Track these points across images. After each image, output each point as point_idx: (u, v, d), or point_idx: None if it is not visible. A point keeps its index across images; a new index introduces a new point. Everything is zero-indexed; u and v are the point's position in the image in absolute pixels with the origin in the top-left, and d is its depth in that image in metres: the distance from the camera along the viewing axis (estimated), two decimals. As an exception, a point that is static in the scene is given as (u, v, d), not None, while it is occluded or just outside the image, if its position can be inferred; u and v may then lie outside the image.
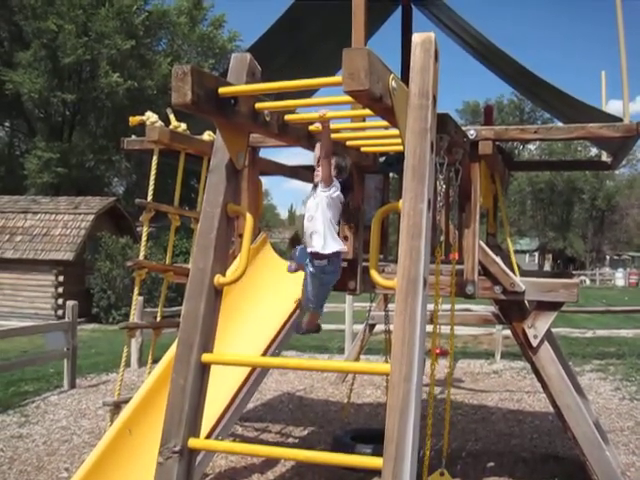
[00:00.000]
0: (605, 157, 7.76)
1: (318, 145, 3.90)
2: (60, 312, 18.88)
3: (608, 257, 63.33)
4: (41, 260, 20.15)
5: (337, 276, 4.09)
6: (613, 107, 6.26)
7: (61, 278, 20.13)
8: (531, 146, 60.78)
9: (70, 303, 10.85)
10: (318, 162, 3.88)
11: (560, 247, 61.45)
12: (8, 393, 9.65)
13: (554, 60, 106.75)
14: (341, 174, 3.93)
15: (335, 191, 3.85)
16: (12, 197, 23.63)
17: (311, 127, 3.82)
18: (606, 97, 6.71)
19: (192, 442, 2.87)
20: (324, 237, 3.82)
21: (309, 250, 3.91)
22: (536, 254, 64.16)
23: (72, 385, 10.16)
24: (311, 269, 3.95)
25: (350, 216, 4.26)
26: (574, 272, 47.36)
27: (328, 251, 3.85)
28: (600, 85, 7.06)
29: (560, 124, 7.26)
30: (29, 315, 19.44)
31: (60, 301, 19.48)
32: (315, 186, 3.94)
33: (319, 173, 3.85)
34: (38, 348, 12.83)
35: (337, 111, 3.69)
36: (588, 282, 48.53)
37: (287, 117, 3.59)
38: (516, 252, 5.90)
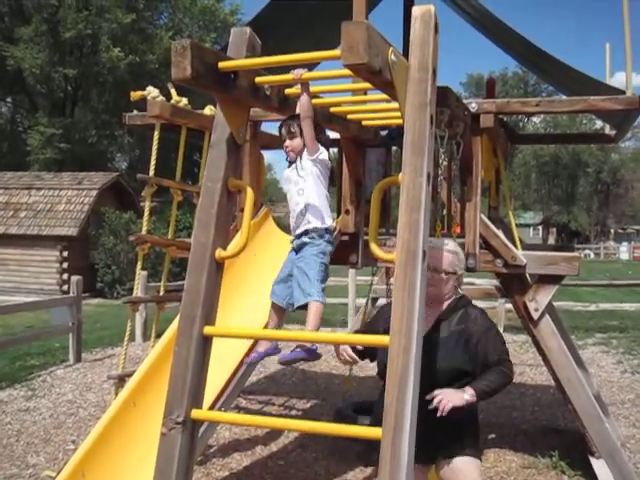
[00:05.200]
0: (608, 130, 7.74)
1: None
2: (65, 287, 18.96)
3: (612, 231, 63.30)
4: (45, 236, 20.20)
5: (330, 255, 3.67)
6: (619, 79, 6.23)
7: (65, 253, 20.20)
8: (535, 119, 60.46)
9: (75, 278, 10.92)
10: (281, 127, 3.60)
11: (564, 221, 61.35)
12: (15, 367, 9.76)
13: (558, 33, 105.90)
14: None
15: (322, 153, 3.53)
16: (15, 173, 23.66)
17: (288, 90, 3.57)
18: (612, 70, 6.68)
19: (195, 413, 2.91)
20: (320, 210, 3.51)
21: (304, 228, 3.52)
22: (540, 228, 64.12)
23: (77, 359, 10.26)
24: (311, 250, 3.50)
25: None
26: (578, 246, 47.43)
27: (329, 223, 3.56)
28: (604, 57, 7.03)
29: (563, 97, 7.23)
30: (34, 290, 19.55)
31: (65, 276, 19.56)
32: (291, 161, 3.62)
33: (291, 145, 3.56)
34: (44, 323, 12.92)
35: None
36: (592, 256, 48.56)
37: (287, 91, 3.58)
38: (520, 225, 5.91)
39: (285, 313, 3.75)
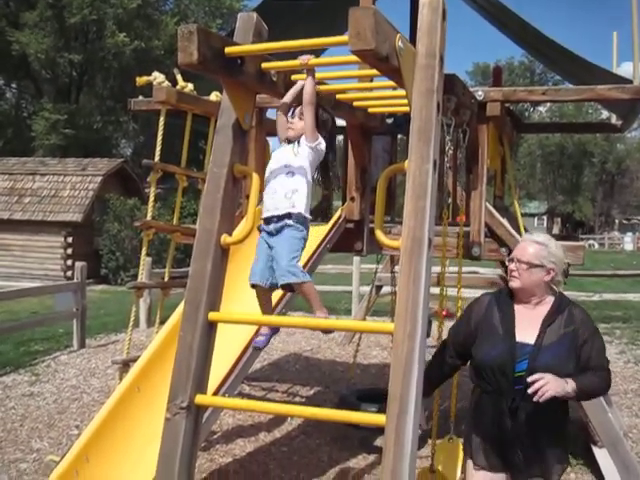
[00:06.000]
0: (615, 120, 7.71)
1: (290, 92, 3.39)
2: (69, 273, 19.01)
3: (617, 221, 63.15)
4: (50, 222, 20.22)
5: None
6: (626, 69, 6.21)
7: (70, 239, 20.21)
8: (541, 108, 60.27)
9: (79, 264, 10.93)
10: (290, 110, 3.41)
11: (569, 211, 61.23)
12: (19, 353, 9.78)
13: (564, 22, 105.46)
14: (320, 129, 3.40)
15: (320, 143, 3.36)
16: (20, 159, 23.64)
17: (294, 76, 3.52)
18: (619, 59, 6.65)
19: (199, 398, 2.92)
20: (307, 197, 3.32)
21: (287, 212, 3.27)
22: (545, 217, 64.01)
23: (81, 345, 10.29)
24: (293, 233, 3.30)
25: (327, 178, 3.85)
26: (582, 236, 47.38)
27: (307, 214, 3.35)
28: (612, 47, 7.00)
29: (570, 86, 7.20)
30: (39, 276, 19.58)
31: (69, 262, 19.58)
32: (288, 141, 3.41)
33: (294, 125, 3.36)
34: (48, 309, 12.96)
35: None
36: (597, 246, 48.46)
37: (293, 77, 3.57)
38: (525, 215, 5.88)
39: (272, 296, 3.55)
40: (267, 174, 3.38)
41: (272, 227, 3.29)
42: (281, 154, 3.39)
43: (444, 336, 3.70)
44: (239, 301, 4.39)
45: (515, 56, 62.26)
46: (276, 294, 4.22)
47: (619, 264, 27.63)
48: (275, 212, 3.26)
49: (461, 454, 3.77)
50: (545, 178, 64.37)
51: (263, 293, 3.46)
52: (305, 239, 3.34)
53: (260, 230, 3.38)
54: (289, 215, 3.24)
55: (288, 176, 3.29)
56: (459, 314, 4.50)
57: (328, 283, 14.86)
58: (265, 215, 3.31)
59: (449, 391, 4.34)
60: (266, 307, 3.53)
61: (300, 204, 3.27)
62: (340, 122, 5.11)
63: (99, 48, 31.15)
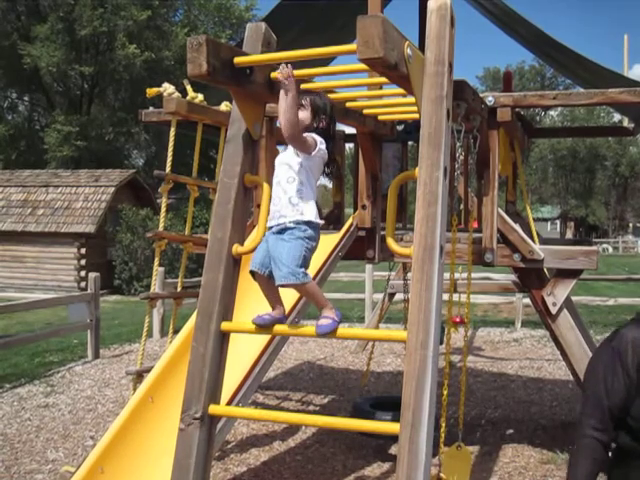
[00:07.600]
0: (627, 123, 7.67)
1: (282, 94, 2.99)
2: (83, 284, 19.08)
3: (631, 225, 62.81)
4: (63, 233, 20.34)
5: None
6: (638, 72, 6.19)
7: (83, 250, 20.33)
8: (553, 112, 60.13)
9: (92, 275, 10.98)
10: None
11: (582, 215, 61.00)
12: (34, 364, 9.82)
13: (574, 24, 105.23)
14: (318, 117, 3.09)
15: (320, 149, 3.02)
16: (33, 171, 23.85)
17: (303, 85, 3.31)
18: (630, 62, 6.62)
19: (212, 408, 2.92)
20: (314, 204, 3.02)
21: (297, 219, 2.95)
22: (558, 222, 63.78)
23: (96, 355, 10.31)
24: (296, 233, 2.95)
25: (336, 173, 3.46)
26: (596, 240, 47.11)
27: (318, 220, 3.03)
28: (622, 49, 6.97)
29: (580, 90, 7.18)
30: (52, 287, 19.69)
31: (83, 273, 19.67)
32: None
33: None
34: (62, 320, 13.01)
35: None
36: (610, 250, 48.19)
37: (302, 86, 3.57)
38: (538, 220, 5.86)
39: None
40: (273, 180, 3.11)
41: (275, 229, 3.02)
42: (283, 157, 3.12)
43: (456, 343, 3.66)
44: (251, 310, 4.38)
45: (526, 60, 62.20)
46: (290, 301, 4.22)
47: (633, 268, 27.49)
48: (280, 220, 2.98)
49: (469, 462, 3.75)
50: (557, 182, 64.20)
51: (265, 283, 3.09)
52: (311, 237, 3.00)
53: None
54: (298, 222, 2.96)
55: (290, 181, 3.01)
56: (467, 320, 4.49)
57: (341, 291, 14.85)
58: (270, 224, 3.04)
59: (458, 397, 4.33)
60: (272, 298, 3.13)
61: (309, 211, 2.98)
62: (350, 130, 5.13)
63: (110, 60, 31.32)
